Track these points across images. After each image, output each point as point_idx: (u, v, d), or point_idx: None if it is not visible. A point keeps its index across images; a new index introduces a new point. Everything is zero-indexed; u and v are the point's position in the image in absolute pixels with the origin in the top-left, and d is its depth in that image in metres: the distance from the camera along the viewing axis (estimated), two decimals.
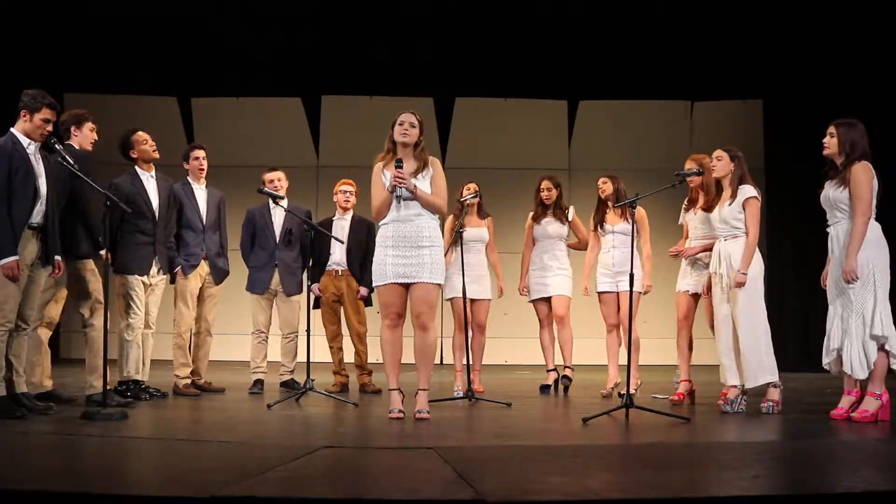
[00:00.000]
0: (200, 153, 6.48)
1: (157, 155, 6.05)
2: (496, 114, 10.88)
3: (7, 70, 8.34)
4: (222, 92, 10.58)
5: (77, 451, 3.84)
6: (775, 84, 9.74)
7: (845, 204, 4.86)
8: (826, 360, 4.97)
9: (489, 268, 6.74)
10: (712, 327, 5.76)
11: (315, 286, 6.68)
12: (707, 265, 5.70)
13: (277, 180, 6.65)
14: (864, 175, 4.81)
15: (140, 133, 6.03)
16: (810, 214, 5.40)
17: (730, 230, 5.37)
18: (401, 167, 4.86)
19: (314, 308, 6.75)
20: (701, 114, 10.89)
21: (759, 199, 5.36)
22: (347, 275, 6.63)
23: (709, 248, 5.75)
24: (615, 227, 6.40)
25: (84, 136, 5.60)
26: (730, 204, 5.37)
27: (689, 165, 5.92)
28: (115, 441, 4.10)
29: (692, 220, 5.96)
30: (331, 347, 6.77)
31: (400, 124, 4.96)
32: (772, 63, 9.57)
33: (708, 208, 5.83)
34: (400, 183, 4.84)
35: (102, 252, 5.47)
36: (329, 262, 6.68)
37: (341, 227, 6.69)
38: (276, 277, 6.64)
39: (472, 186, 6.58)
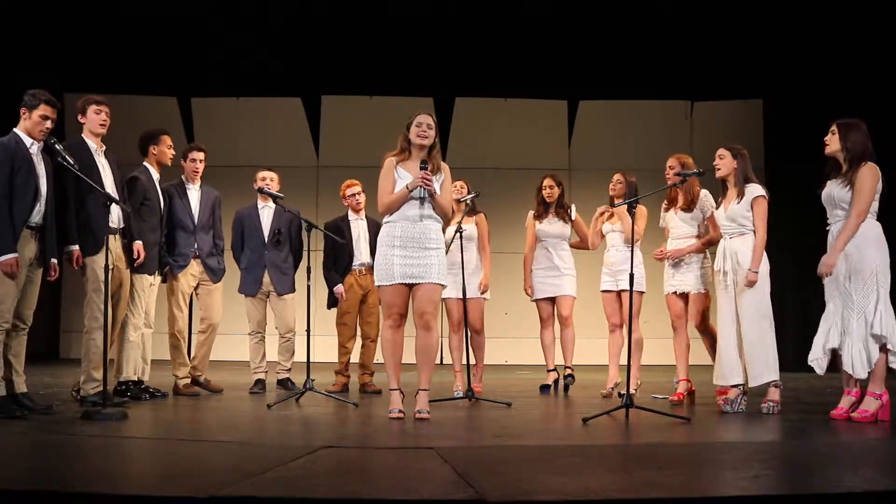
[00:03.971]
0: (199, 155, 6.44)
1: (170, 164, 6.15)
2: (496, 114, 10.89)
3: (7, 70, 8.35)
4: (222, 92, 10.59)
5: (77, 451, 3.83)
6: (775, 84, 9.74)
7: (848, 203, 4.86)
8: (813, 358, 4.91)
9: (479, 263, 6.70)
10: (696, 327, 5.80)
11: (339, 288, 6.66)
12: (690, 264, 5.75)
13: (271, 180, 6.63)
14: (870, 177, 4.81)
15: (169, 137, 6.15)
16: (810, 214, 5.40)
17: (736, 228, 5.36)
18: (426, 168, 4.85)
19: (329, 308, 6.75)
20: (701, 114, 10.90)
21: (767, 197, 5.36)
22: (372, 273, 6.62)
23: (698, 250, 5.77)
24: (615, 226, 6.40)
25: (90, 120, 5.50)
26: (738, 202, 5.35)
27: (672, 164, 5.94)
28: (115, 441, 4.10)
29: (672, 219, 5.95)
30: (343, 347, 6.74)
31: (418, 125, 4.93)
32: (772, 63, 9.57)
33: (687, 208, 5.85)
34: (426, 185, 4.83)
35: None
36: (354, 262, 6.68)
37: (362, 227, 6.70)
38: (267, 278, 6.65)
39: (461, 184, 6.58)
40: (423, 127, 4.92)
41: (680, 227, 5.89)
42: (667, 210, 6.03)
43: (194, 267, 6.36)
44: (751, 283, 5.24)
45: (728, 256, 5.36)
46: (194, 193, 6.44)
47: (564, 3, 9.29)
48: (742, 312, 5.29)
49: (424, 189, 4.84)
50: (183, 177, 6.46)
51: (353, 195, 6.73)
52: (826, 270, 4.84)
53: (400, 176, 4.91)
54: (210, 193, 6.54)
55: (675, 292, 5.88)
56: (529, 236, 6.83)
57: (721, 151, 5.49)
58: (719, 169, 5.47)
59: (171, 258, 6.26)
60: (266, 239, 6.66)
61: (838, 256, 4.81)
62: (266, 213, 6.68)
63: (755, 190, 5.35)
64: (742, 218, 5.34)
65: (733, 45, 9.48)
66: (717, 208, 5.55)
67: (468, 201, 6.39)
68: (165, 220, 6.21)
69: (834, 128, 5.00)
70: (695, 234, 5.85)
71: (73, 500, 2.76)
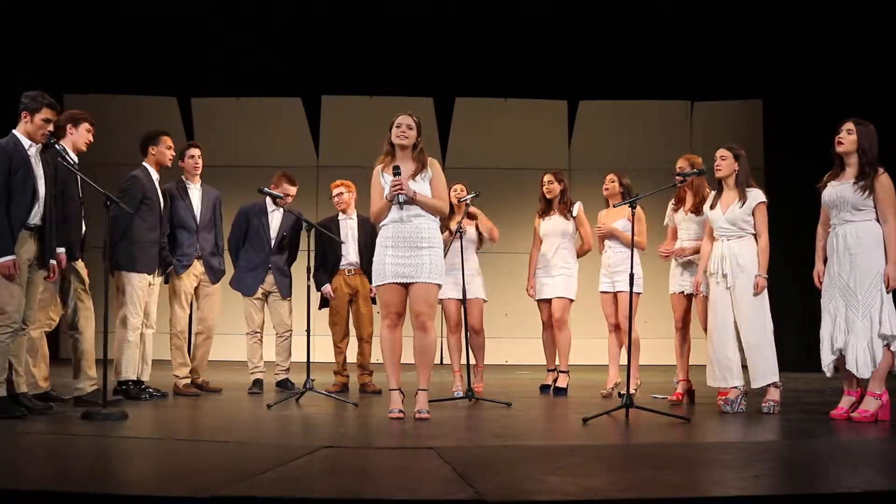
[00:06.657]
0: (196, 151, 6.45)
1: (170, 164, 6.14)
2: (496, 114, 10.90)
3: (7, 70, 8.35)
4: (222, 92, 10.60)
5: (77, 451, 3.84)
6: (775, 84, 9.75)
7: (863, 207, 4.83)
8: (826, 363, 4.91)
9: (478, 266, 6.67)
10: (705, 328, 5.78)
11: (327, 288, 6.68)
12: (698, 265, 5.74)
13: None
14: (890, 184, 4.83)
15: (169, 138, 6.14)
16: (810, 214, 5.39)
17: (736, 231, 5.34)
18: (398, 174, 4.85)
19: (320, 308, 6.75)
20: (701, 114, 10.91)
21: (766, 202, 5.35)
22: (361, 273, 6.63)
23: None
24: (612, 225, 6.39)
25: (79, 136, 5.50)
26: (740, 206, 5.33)
27: (682, 165, 5.91)
28: (115, 441, 4.10)
29: (683, 220, 5.92)
30: (336, 347, 6.75)
31: (397, 126, 4.95)
32: (772, 63, 9.58)
33: (697, 210, 5.82)
34: (398, 191, 4.84)
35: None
36: (343, 262, 6.68)
37: (350, 227, 6.70)
38: (271, 279, 6.63)
39: (460, 186, 6.58)
40: (403, 128, 4.94)
41: (690, 229, 5.85)
42: (675, 210, 6.01)
43: (197, 267, 6.37)
44: (761, 288, 5.23)
45: (727, 258, 5.34)
46: (196, 193, 6.43)
47: (564, 3, 9.29)
48: (740, 314, 5.28)
49: (402, 195, 4.84)
50: (183, 176, 6.45)
51: (337, 195, 6.74)
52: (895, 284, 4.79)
53: (385, 182, 4.94)
54: (211, 193, 6.54)
55: (682, 292, 5.87)
56: (534, 236, 6.79)
57: (722, 152, 5.46)
58: (720, 169, 5.45)
59: (175, 258, 6.26)
60: (273, 243, 6.65)
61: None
62: (276, 216, 6.65)
63: (758, 196, 5.34)
64: (743, 222, 5.33)
65: (733, 45, 9.49)
66: (711, 208, 5.52)
67: (468, 202, 6.38)
68: (167, 220, 6.20)
69: (851, 126, 4.91)
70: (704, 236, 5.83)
71: (73, 500, 2.76)
